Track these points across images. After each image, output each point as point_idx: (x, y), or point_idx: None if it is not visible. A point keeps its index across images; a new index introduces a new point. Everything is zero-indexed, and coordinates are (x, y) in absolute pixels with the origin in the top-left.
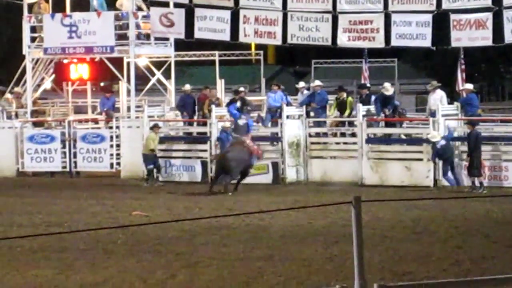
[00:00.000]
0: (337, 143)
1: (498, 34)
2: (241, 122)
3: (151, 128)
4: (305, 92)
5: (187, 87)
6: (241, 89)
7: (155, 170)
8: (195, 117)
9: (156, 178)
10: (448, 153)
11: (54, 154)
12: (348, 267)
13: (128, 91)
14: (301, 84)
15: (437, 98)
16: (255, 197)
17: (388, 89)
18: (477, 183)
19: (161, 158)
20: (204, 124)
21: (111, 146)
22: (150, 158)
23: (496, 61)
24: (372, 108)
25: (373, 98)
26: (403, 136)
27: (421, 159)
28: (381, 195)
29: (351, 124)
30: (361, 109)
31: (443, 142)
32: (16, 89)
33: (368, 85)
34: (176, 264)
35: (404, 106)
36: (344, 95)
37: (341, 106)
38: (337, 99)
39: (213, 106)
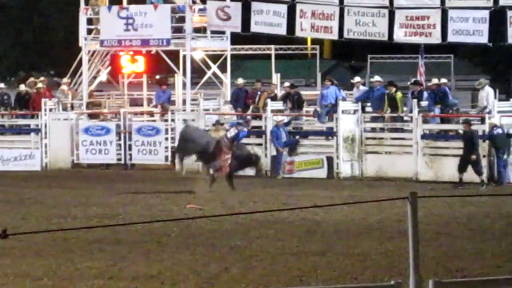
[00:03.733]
0: (393, 139)
1: None
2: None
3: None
4: (361, 87)
5: (240, 80)
6: (286, 84)
7: None
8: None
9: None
10: (499, 143)
11: (109, 146)
12: (402, 262)
13: (184, 84)
14: (357, 79)
15: (484, 95)
16: (310, 191)
17: (435, 80)
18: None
19: None
20: (259, 117)
21: (166, 139)
22: None
23: None
24: (424, 104)
25: (425, 94)
26: (460, 131)
27: None
28: (436, 191)
29: (404, 120)
30: (416, 105)
31: (500, 130)
32: (64, 79)
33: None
34: (230, 258)
35: (460, 102)
36: (393, 90)
37: (390, 101)
38: (387, 94)
39: (268, 100)
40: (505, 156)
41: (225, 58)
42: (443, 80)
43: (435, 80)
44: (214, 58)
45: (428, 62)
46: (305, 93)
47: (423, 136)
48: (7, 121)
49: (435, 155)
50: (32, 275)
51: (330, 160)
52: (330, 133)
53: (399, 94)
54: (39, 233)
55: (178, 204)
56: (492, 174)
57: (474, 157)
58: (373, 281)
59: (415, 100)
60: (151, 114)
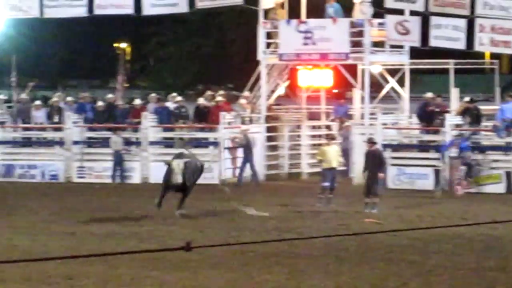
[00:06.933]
0: None
1: None
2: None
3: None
4: None
5: (429, 95)
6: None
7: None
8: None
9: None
10: None
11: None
12: None
13: (362, 98)
14: None
15: None
16: (488, 206)
17: None
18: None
19: (394, 166)
20: (437, 132)
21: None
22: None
23: None
24: None
25: None
26: None
27: None
28: None
29: None
30: None
31: None
32: (246, 93)
33: None
34: (408, 272)
35: None
36: None
37: None
38: None
39: (446, 115)
40: None
41: (403, 72)
42: None
43: None
44: (392, 72)
45: None
46: (484, 107)
47: None
48: (186, 133)
49: None
50: None
51: (509, 175)
52: (509, 148)
53: None
54: (216, 246)
55: (356, 218)
56: None
57: (382, 175)
58: None
59: None
60: (328, 127)
